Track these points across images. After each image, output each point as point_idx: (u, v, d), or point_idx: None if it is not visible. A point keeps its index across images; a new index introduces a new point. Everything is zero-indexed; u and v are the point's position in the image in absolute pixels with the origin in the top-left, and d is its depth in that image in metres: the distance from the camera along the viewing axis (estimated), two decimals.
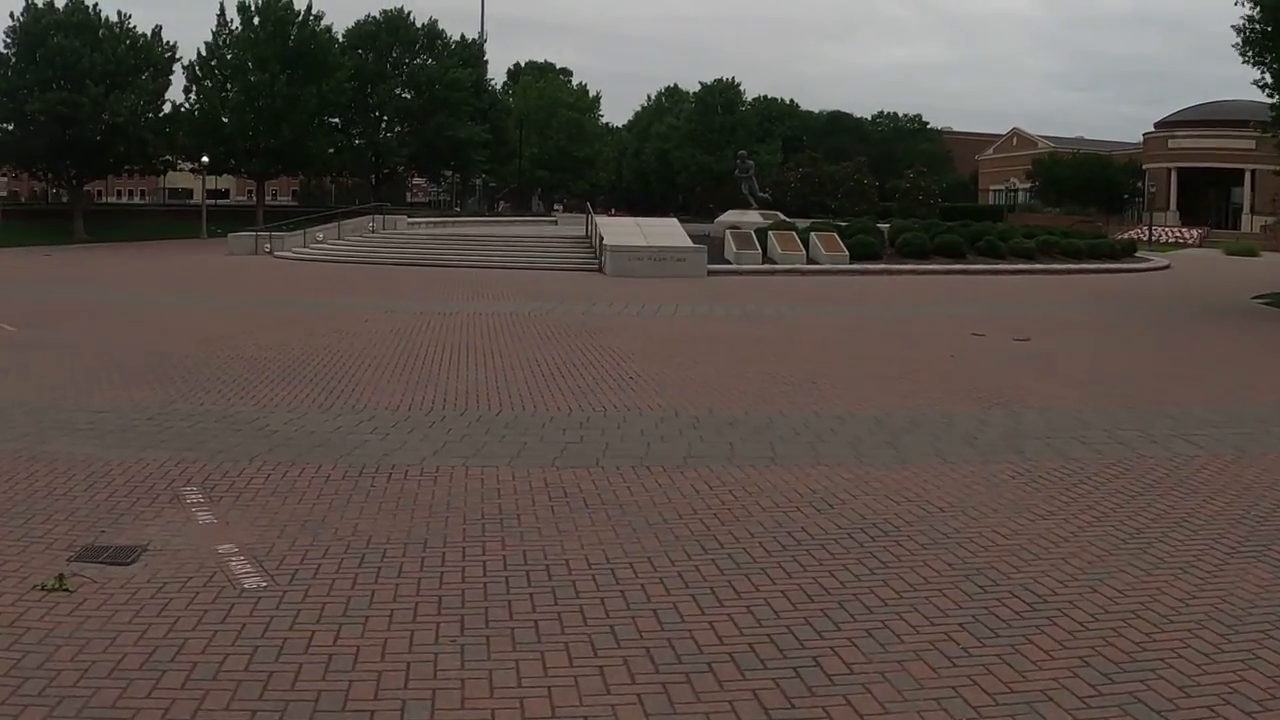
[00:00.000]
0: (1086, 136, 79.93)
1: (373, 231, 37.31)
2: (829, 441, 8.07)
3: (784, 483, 6.82)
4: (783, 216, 37.80)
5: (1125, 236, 44.94)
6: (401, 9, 60.47)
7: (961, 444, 8.12)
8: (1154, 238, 53.28)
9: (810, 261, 27.79)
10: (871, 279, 26.30)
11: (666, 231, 28.58)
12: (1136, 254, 36.73)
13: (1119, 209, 68.52)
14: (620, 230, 28.24)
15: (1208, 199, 64.69)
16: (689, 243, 27.25)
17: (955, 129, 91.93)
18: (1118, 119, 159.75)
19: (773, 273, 26.61)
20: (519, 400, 9.51)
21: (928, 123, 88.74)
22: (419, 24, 61.05)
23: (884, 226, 32.40)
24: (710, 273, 25.72)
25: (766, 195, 41.73)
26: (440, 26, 61.81)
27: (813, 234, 29.02)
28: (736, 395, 9.91)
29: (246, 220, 48.59)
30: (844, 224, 32.09)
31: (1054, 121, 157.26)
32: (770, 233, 29.05)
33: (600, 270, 26.46)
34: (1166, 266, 34.39)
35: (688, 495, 6.47)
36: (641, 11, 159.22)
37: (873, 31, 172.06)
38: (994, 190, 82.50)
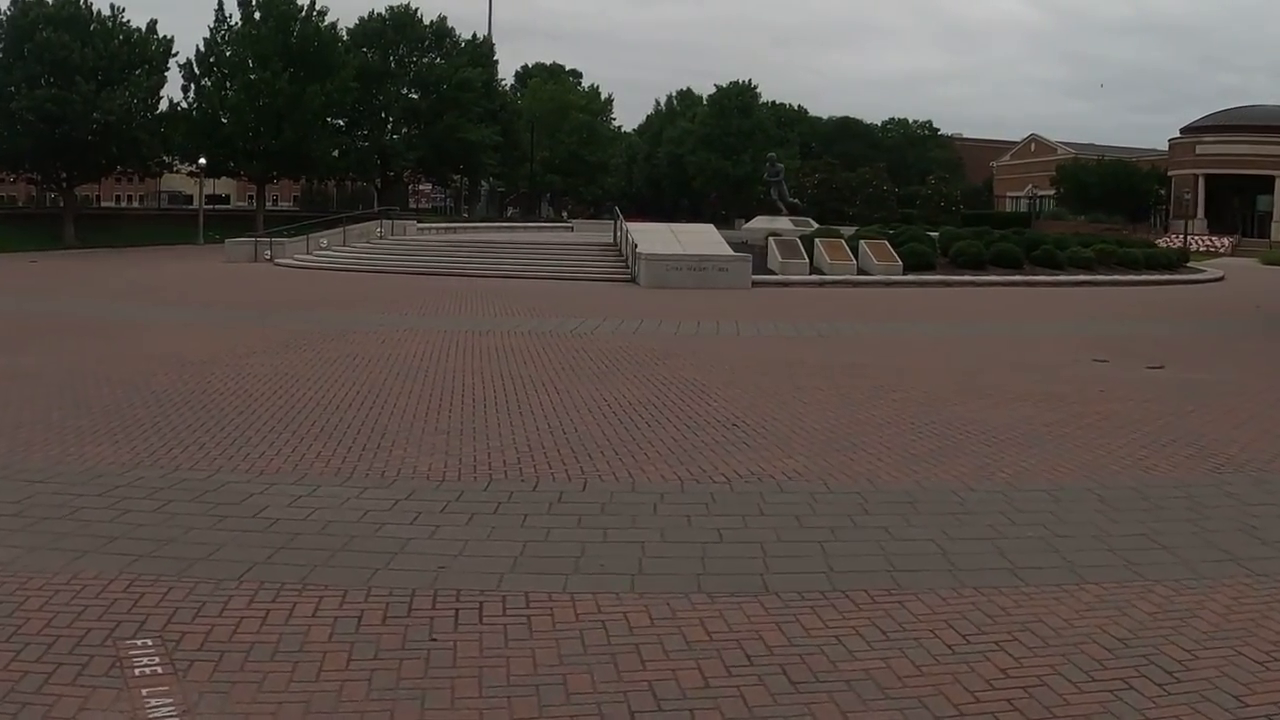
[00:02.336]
0: (1097, 143, 77.51)
1: (381, 237, 34.97)
2: (1065, 535, 5.67)
3: (1063, 623, 4.42)
4: (814, 223, 35.60)
5: (1162, 244, 42.54)
6: (409, 6, 58.14)
7: (1242, 536, 5.76)
8: (1186, 246, 50.84)
9: (861, 271, 25.42)
10: (931, 291, 23.96)
11: (703, 239, 26.23)
12: (1188, 264, 34.45)
13: (1144, 216, 66.22)
14: (654, 237, 25.84)
15: (1233, 206, 62.48)
16: (729, 250, 24.87)
17: (965, 135, 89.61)
18: (1119, 126, 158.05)
19: (823, 284, 24.22)
20: (602, 464, 7.07)
21: (938, 129, 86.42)
22: (427, 22, 58.71)
23: (933, 234, 30.13)
24: (754, 283, 23.35)
25: (796, 200, 39.49)
26: (450, 24, 59.59)
27: (862, 242, 26.68)
28: (885, 454, 7.52)
29: (245, 226, 46.17)
30: (893, 231, 29.79)
31: (1058, 128, 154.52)
32: (817, 241, 26.69)
33: (633, 281, 24.06)
34: (1221, 278, 32.18)
35: (938, 656, 4.06)
36: (639, 17, 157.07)
37: (873, 38, 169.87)
38: (1011, 197, 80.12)
